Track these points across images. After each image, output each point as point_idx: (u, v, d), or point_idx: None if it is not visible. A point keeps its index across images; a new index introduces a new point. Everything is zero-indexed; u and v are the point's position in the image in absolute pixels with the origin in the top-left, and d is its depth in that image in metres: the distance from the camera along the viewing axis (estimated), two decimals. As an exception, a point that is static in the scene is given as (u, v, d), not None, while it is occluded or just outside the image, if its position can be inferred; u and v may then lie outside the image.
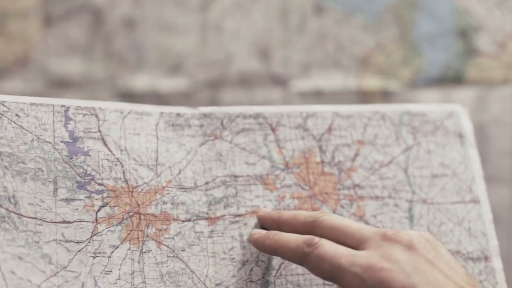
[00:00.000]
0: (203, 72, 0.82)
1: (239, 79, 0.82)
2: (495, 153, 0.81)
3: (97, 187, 0.51)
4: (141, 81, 0.82)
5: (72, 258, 0.49)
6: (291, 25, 0.82)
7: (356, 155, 0.58)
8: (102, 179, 0.51)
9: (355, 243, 0.48)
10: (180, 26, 0.82)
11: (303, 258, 0.48)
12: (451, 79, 0.81)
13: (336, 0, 0.82)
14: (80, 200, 0.50)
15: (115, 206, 0.51)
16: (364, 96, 0.82)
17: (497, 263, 0.58)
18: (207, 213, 0.54)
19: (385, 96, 0.82)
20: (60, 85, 0.82)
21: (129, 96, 0.82)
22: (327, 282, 0.54)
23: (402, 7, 0.81)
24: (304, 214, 0.51)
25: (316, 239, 0.48)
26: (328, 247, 0.47)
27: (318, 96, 0.82)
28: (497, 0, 0.80)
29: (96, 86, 0.82)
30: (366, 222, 0.56)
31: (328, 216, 0.50)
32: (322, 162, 0.57)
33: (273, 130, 0.57)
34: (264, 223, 0.53)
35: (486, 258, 0.57)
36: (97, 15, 0.82)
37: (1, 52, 0.82)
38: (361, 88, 0.82)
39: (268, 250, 0.51)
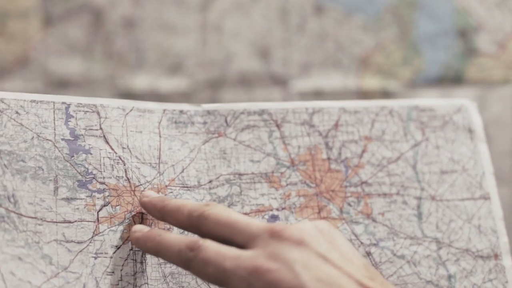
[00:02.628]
0: (203, 72, 0.82)
1: (239, 79, 0.82)
2: (495, 153, 0.80)
3: (98, 186, 0.50)
4: (141, 81, 0.82)
5: (73, 259, 0.48)
6: (291, 25, 0.82)
7: (364, 151, 0.57)
8: (104, 177, 0.50)
9: (243, 241, 0.44)
10: (180, 26, 0.82)
11: (187, 263, 0.44)
12: (451, 79, 0.81)
13: (336, 0, 0.81)
14: (81, 199, 0.49)
15: (117, 206, 0.50)
16: (364, 96, 0.81)
17: (507, 261, 0.56)
18: None
19: (385, 96, 0.81)
20: (60, 85, 0.82)
21: (129, 96, 0.82)
22: None
23: (402, 7, 0.81)
24: (189, 207, 0.47)
25: (200, 241, 0.44)
26: (212, 250, 0.43)
27: (318, 96, 0.81)
28: (497, 0, 0.80)
29: (96, 86, 0.82)
30: (374, 220, 0.55)
31: (214, 210, 0.45)
32: (329, 159, 0.56)
33: (278, 126, 0.56)
34: (148, 211, 0.49)
35: (496, 256, 0.56)
36: (97, 15, 0.82)
37: (1, 52, 0.81)
38: (361, 88, 0.81)
39: (150, 251, 0.47)
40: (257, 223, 0.44)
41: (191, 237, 0.45)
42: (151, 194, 0.50)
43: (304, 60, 0.82)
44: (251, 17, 0.82)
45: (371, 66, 0.81)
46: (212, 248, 0.43)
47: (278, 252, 0.42)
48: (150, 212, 0.49)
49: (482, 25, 0.80)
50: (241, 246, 0.44)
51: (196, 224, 0.46)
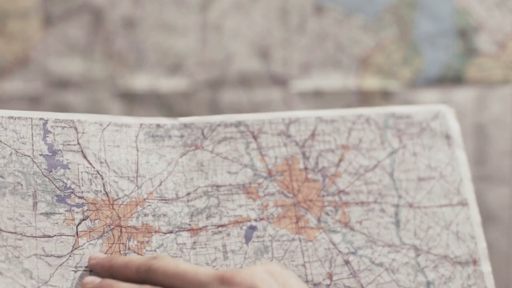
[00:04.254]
0: (203, 72, 0.82)
1: (239, 79, 0.82)
2: (495, 153, 0.80)
3: (77, 200, 0.50)
4: (141, 81, 0.82)
5: (53, 273, 0.48)
6: (291, 25, 0.82)
7: (341, 160, 0.57)
8: (82, 192, 0.50)
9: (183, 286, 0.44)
10: (180, 26, 0.82)
11: None
12: (451, 79, 0.80)
13: (336, 0, 0.81)
14: (60, 213, 0.49)
15: (95, 219, 0.50)
16: (364, 96, 0.81)
17: (486, 267, 0.56)
18: (189, 224, 0.52)
19: (385, 96, 0.81)
20: (60, 85, 0.82)
21: (129, 96, 0.82)
22: None
23: (402, 7, 0.81)
24: (137, 262, 0.46)
25: None
26: None
27: (318, 96, 0.81)
28: (497, 0, 0.80)
29: (96, 86, 0.82)
30: (352, 229, 0.55)
31: (162, 263, 0.45)
32: (306, 168, 0.56)
33: (255, 137, 0.56)
34: (96, 272, 0.48)
35: (474, 262, 0.56)
36: (97, 15, 0.82)
37: (1, 52, 0.81)
38: (361, 88, 0.81)
39: None
40: (205, 271, 0.44)
41: (142, 287, 0.45)
42: (98, 256, 0.48)
43: (304, 60, 0.82)
44: (251, 17, 0.82)
45: (371, 66, 0.81)
46: None
47: None
48: (99, 273, 0.48)
49: (482, 25, 0.80)
50: None
51: (146, 278, 0.45)
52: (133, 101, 0.82)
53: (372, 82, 0.81)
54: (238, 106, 0.81)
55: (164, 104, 0.82)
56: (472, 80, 0.80)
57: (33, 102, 0.81)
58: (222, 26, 0.81)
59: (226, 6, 0.81)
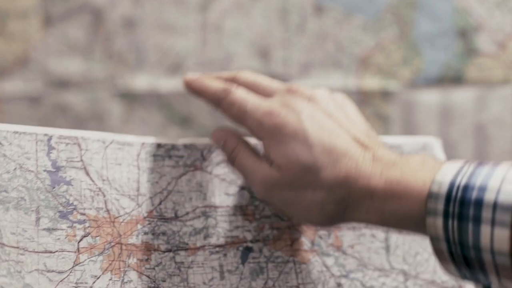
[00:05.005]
0: (203, 72, 0.82)
1: (239, 79, 0.82)
2: (495, 153, 0.80)
3: (79, 216, 0.50)
4: (141, 81, 0.82)
5: None
6: (291, 25, 0.82)
7: None
8: (84, 208, 0.50)
9: (265, 95, 0.52)
10: (180, 26, 0.82)
11: (218, 102, 0.52)
12: (451, 79, 0.80)
13: (336, 0, 0.81)
14: (62, 229, 0.49)
15: (97, 236, 0.50)
16: (364, 96, 0.81)
17: None
18: (187, 244, 0.53)
19: (385, 96, 0.81)
20: (60, 85, 0.81)
21: (129, 96, 0.82)
22: None
23: (402, 7, 0.81)
24: (226, 74, 0.55)
25: (233, 87, 0.52)
26: (240, 94, 0.51)
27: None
28: (497, 0, 0.80)
29: (96, 86, 0.82)
30: (344, 253, 0.56)
31: (245, 74, 0.54)
32: None
33: None
34: (189, 87, 0.55)
35: (460, 287, 0.58)
36: (97, 15, 0.82)
37: (1, 52, 0.81)
38: (361, 88, 0.81)
39: (195, 92, 0.54)
40: (276, 83, 0.53)
41: (227, 84, 0.53)
42: (194, 75, 0.55)
43: (304, 60, 0.82)
44: (251, 17, 0.82)
45: (371, 66, 0.81)
46: (240, 93, 0.51)
47: (291, 102, 0.50)
48: (191, 86, 0.55)
49: (482, 25, 0.80)
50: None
51: (232, 86, 0.53)
52: (133, 101, 0.82)
53: (372, 82, 0.81)
54: (238, 106, 0.81)
55: (164, 104, 0.82)
56: (472, 80, 0.80)
57: (33, 102, 0.81)
58: (222, 26, 0.81)
59: (226, 6, 0.81)
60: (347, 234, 0.57)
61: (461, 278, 0.45)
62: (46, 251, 0.48)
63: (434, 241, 0.45)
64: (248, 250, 0.54)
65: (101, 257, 0.50)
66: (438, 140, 0.61)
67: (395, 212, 0.46)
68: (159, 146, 0.55)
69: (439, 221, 0.44)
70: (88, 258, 0.49)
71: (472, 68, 0.80)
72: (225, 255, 0.53)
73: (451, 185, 0.43)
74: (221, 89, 0.52)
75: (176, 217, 0.53)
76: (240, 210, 0.55)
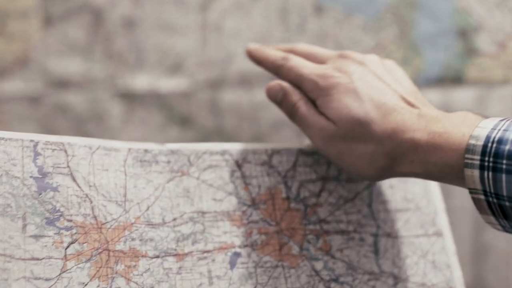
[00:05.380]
0: (203, 72, 0.82)
1: (239, 79, 0.82)
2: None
3: (66, 223, 0.50)
4: (141, 81, 0.82)
5: None
6: (291, 25, 0.82)
7: (321, 190, 0.58)
8: (71, 215, 0.50)
9: (319, 62, 0.58)
10: (180, 26, 0.82)
11: (277, 69, 0.59)
12: (451, 79, 0.80)
13: (336, 0, 0.81)
14: (49, 236, 0.49)
15: (84, 243, 0.50)
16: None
17: None
18: (175, 250, 0.53)
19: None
20: (60, 85, 0.81)
21: (129, 96, 0.82)
22: None
23: (402, 7, 0.81)
24: (283, 46, 0.62)
25: (291, 55, 0.59)
26: (297, 61, 0.58)
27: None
28: (497, 0, 0.80)
29: (96, 86, 0.82)
30: (333, 257, 0.56)
31: (301, 45, 0.61)
32: (288, 198, 0.57)
33: (239, 166, 0.57)
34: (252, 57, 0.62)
35: None
36: (97, 15, 0.82)
37: (1, 52, 0.81)
38: (361, 88, 0.81)
39: (256, 60, 0.61)
40: (330, 51, 0.59)
41: (286, 53, 0.60)
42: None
43: (304, 60, 0.82)
44: (251, 17, 0.82)
45: (371, 66, 0.81)
46: (297, 60, 0.58)
47: (343, 66, 0.55)
48: (253, 54, 0.62)
49: (482, 25, 0.80)
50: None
51: (289, 55, 0.59)
52: (133, 101, 0.82)
53: (372, 82, 0.81)
54: (238, 106, 0.81)
55: (164, 104, 0.82)
56: (472, 80, 0.80)
57: (33, 102, 0.81)
58: (222, 26, 0.81)
59: (226, 6, 0.81)
60: (336, 238, 0.57)
61: (502, 230, 0.48)
62: (33, 258, 0.48)
63: (473, 193, 0.48)
64: (237, 255, 0.54)
65: (88, 264, 0.50)
66: None
67: (437, 163, 0.50)
68: (146, 151, 0.54)
69: (476, 173, 0.47)
70: (76, 265, 0.49)
71: (472, 68, 0.80)
72: (213, 260, 0.53)
73: (487, 139, 0.47)
74: (280, 57, 0.59)
75: (164, 223, 0.53)
76: (227, 215, 0.55)
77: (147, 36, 0.81)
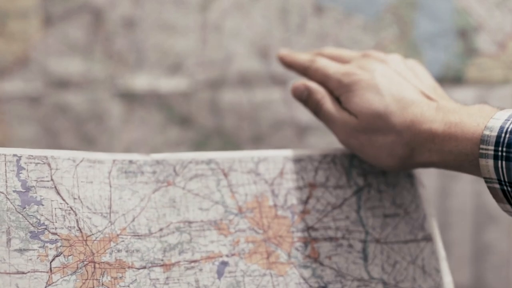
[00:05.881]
0: (203, 72, 0.82)
1: (239, 79, 0.81)
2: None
3: (51, 236, 0.49)
4: (141, 81, 0.82)
5: None
6: (291, 25, 0.82)
7: (309, 197, 0.58)
8: (56, 228, 0.50)
9: (344, 62, 0.61)
10: (180, 26, 0.82)
11: (305, 70, 0.63)
12: (451, 79, 0.80)
13: (336, 0, 0.81)
14: (34, 250, 0.49)
15: (69, 255, 0.50)
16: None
17: None
18: (162, 260, 0.52)
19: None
20: (60, 85, 0.81)
21: (129, 96, 0.82)
22: None
23: (402, 7, 0.81)
24: (312, 51, 0.65)
25: (318, 57, 0.62)
26: (323, 62, 0.61)
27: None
28: (497, 0, 0.79)
29: (96, 86, 0.82)
30: (321, 264, 0.56)
31: (328, 49, 0.65)
32: (275, 205, 0.57)
33: (225, 175, 0.56)
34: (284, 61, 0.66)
35: None
36: (97, 15, 0.82)
37: (1, 52, 0.81)
38: (361, 88, 0.81)
39: (286, 64, 0.66)
40: (356, 52, 0.62)
41: (314, 55, 0.63)
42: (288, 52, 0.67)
43: (304, 60, 0.82)
44: (251, 17, 0.82)
45: (371, 66, 0.81)
46: (323, 61, 0.62)
47: (365, 64, 0.58)
48: (284, 59, 0.66)
49: (482, 25, 0.80)
50: None
51: (316, 57, 0.63)
52: (133, 101, 0.82)
53: (372, 82, 0.81)
54: (238, 106, 0.81)
55: (164, 104, 0.81)
56: (472, 80, 0.80)
57: (33, 102, 0.81)
58: (222, 26, 0.81)
59: (226, 6, 0.81)
60: (324, 245, 0.57)
61: None
62: (18, 272, 0.48)
63: (488, 182, 0.50)
64: (224, 264, 0.54)
65: (74, 276, 0.50)
66: None
67: (452, 151, 0.52)
68: (130, 162, 0.54)
69: (490, 163, 0.48)
70: (61, 278, 0.49)
71: (472, 68, 0.80)
72: (200, 270, 0.53)
73: (501, 130, 0.48)
74: (307, 59, 0.63)
75: (150, 234, 0.53)
76: (214, 224, 0.55)
77: (147, 36, 0.81)
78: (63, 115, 0.81)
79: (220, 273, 0.54)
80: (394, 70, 0.57)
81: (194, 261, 0.53)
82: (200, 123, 0.81)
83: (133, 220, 0.53)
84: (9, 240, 0.48)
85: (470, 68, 0.80)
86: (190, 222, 0.54)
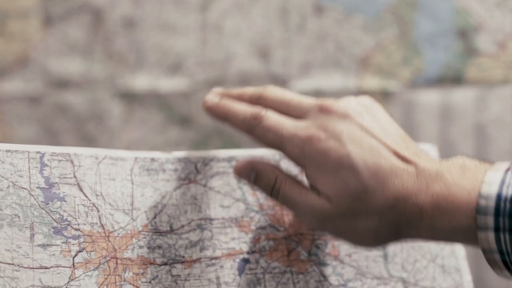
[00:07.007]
0: (203, 72, 0.82)
1: (239, 79, 0.81)
2: (495, 153, 0.80)
3: (73, 232, 0.50)
4: (141, 81, 0.82)
5: None
6: (291, 25, 0.82)
7: None
8: (79, 224, 0.50)
9: (296, 115, 0.50)
10: (180, 26, 0.82)
11: (250, 130, 0.51)
12: (451, 79, 0.80)
13: (336, 0, 0.81)
14: (57, 245, 0.49)
15: (91, 251, 0.50)
16: (364, 96, 0.81)
17: None
18: (183, 257, 0.52)
19: (385, 96, 0.81)
20: (60, 85, 0.81)
21: (129, 96, 0.82)
22: None
23: (402, 7, 0.81)
24: (249, 92, 0.53)
25: (262, 112, 0.50)
26: (272, 120, 0.50)
27: (318, 96, 0.81)
28: (497, 0, 0.79)
29: (96, 86, 0.82)
30: (341, 262, 0.56)
31: (271, 91, 0.52)
32: None
33: None
34: (211, 111, 0.53)
35: None
36: (97, 15, 0.82)
37: (1, 52, 0.81)
38: (361, 88, 0.81)
39: (219, 118, 0.52)
40: (307, 100, 0.51)
41: (255, 108, 0.51)
42: (213, 96, 0.53)
43: (304, 60, 0.82)
44: (251, 17, 0.81)
45: (371, 66, 0.81)
46: (272, 118, 0.50)
47: (327, 123, 0.49)
48: (214, 111, 0.53)
49: (482, 25, 0.80)
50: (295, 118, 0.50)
51: (257, 104, 0.52)
52: (133, 101, 0.82)
53: (372, 82, 0.81)
54: (238, 106, 0.81)
55: (164, 104, 0.81)
56: (472, 80, 0.80)
57: (33, 102, 0.81)
58: (222, 26, 0.81)
59: (226, 6, 0.81)
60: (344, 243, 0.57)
61: None
62: (41, 267, 0.48)
63: (487, 253, 0.45)
64: (245, 261, 0.54)
65: (96, 272, 0.50)
66: (434, 146, 0.60)
67: (445, 227, 0.46)
68: (152, 160, 0.54)
69: (491, 235, 0.44)
70: (84, 273, 0.49)
71: (472, 68, 0.80)
72: (221, 267, 0.53)
73: (498, 198, 0.44)
74: (250, 115, 0.51)
75: (172, 230, 0.53)
76: (235, 221, 0.55)
77: (147, 36, 0.81)
78: (63, 115, 0.81)
79: (240, 270, 0.54)
80: (360, 127, 0.49)
81: (215, 258, 0.53)
82: (200, 123, 0.81)
83: (155, 217, 0.53)
84: (32, 236, 0.49)
85: (470, 68, 0.80)
86: (211, 219, 0.54)
